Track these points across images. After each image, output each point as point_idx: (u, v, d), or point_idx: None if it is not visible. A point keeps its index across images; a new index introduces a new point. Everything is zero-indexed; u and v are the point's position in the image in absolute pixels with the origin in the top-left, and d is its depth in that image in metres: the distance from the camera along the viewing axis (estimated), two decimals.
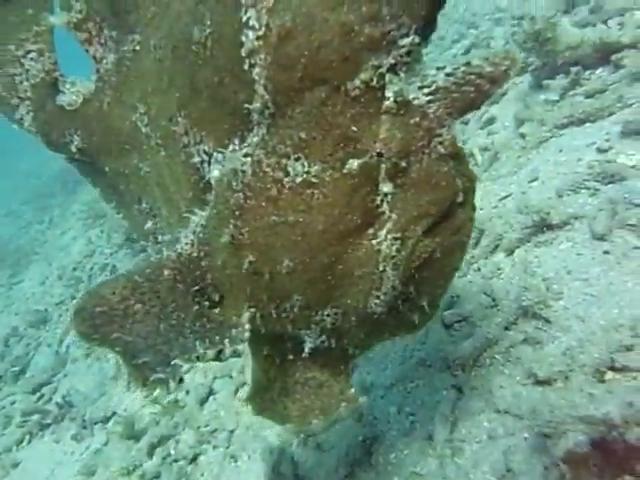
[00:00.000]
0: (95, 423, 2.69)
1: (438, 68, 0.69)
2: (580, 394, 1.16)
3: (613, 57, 2.22)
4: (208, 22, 0.72)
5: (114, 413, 2.71)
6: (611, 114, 2.02)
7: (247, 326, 0.81)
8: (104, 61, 0.98)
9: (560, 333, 1.45)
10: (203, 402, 2.45)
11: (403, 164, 0.69)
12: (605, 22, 2.53)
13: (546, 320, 1.51)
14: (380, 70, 0.65)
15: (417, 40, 0.64)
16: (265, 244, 0.73)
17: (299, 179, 0.70)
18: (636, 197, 1.56)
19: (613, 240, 1.56)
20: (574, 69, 2.31)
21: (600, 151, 1.84)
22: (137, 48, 0.90)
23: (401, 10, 0.62)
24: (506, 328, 1.59)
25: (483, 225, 1.91)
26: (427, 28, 0.65)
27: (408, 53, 0.65)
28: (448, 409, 1.47)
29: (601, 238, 1.58)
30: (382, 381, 1.79)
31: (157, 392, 0.87)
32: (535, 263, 1.69)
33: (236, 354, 0.94)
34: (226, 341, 0.81)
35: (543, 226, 1.75)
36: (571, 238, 1.66)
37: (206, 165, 0.79)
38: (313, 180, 0.70)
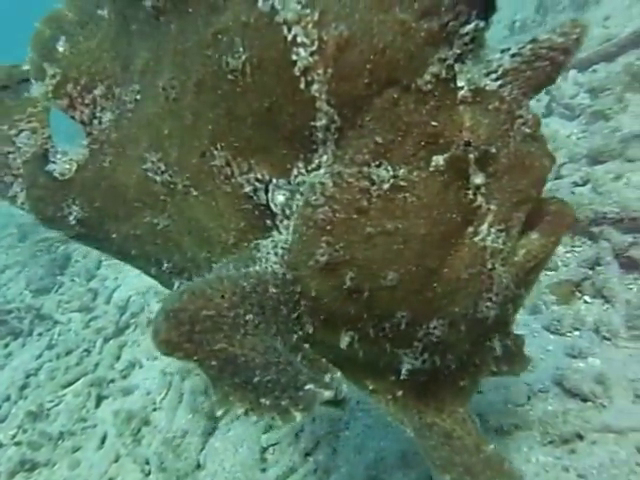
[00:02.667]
0: None
1: (502, 50, 0.67)
2: None
3: None
4: (241, 49, 0.70)
5: None
6: None
7: (338, 374, 0.73)
8: (96, 122, 0.96)
9: (342, 463, 1.67)
10: None
11: (493, 150, 0.66)
12: None
13: (334, 449, 1.73)
14: (447, 62, 0.64)
15: (481, 25, 0.63)
16: (364, 258, 0.69)
17: (386, 185, 0.67)
18: None
19: None
20: None
21: None
22: (138, 97, 0.88)
23: (457, 1, 0.61)
24: (307, 455, 1.79)
25: None
26: (488, 11, 0.63)
27: (472, 40, 0.64)
28: None
29: None
30: None
31: (274, 420, 0.63)
32: None
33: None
34: (315, 385, 0.66)
35: None
36: None
37: (262, 192, 0.77)
38: (402, 183, 0.67)
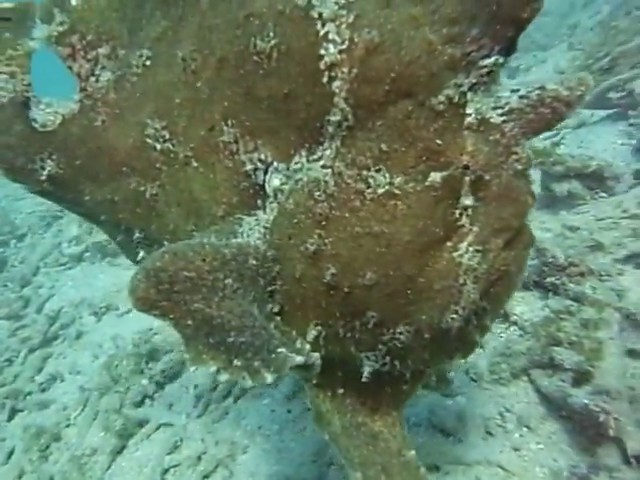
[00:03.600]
0: None
1: (512, 90, 0.72)
2: None
3: None
4: (271, 34, 0.72)
5: None
6: None
7: (308, 345, 0.76)
8: (93, 79, 0.94)
9: None
10: None
11: (486, 177, 0.70)
12: None
13: (231, 472, 1.84)
14: (462, 89, 0.68)
15: (500, 61, 0.67)
16: (348, 256, 0.72)
17: (381, 190, 0.70)
18: None
19: (295, 400, 2.00)
20: None
21: None
22: (147, 63, 0.89)
23: (482, 32, 0.65)
24: (205, 477, 1.88)
25: None
26: (509, 49, 0.68)
27: (488, 73, 0.68)
28: None
29: (289, 398, 2.01)
30: None
31: (244, 380, 0.68)
32: (242, 414, 2.05)
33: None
34: (288, 349, 0.71)
35: None
36: (271, 394, 2.08)
37: (260, 173, 0.80)
38: (396, 191, 0.70)
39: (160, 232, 0.96)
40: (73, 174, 1.01)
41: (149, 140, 0.88)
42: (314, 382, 0.87)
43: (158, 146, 0.88)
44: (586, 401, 1.36)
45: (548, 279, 1.78)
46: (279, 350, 0.68)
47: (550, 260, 1.79)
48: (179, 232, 0.92)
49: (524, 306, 1.86)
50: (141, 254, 1.03)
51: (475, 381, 1.74)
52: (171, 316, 0.68)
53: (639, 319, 1.58)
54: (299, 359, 0.68)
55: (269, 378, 0.67)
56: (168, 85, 0.85)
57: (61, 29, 0.96)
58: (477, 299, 0.75)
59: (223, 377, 0.67)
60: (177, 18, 0.83)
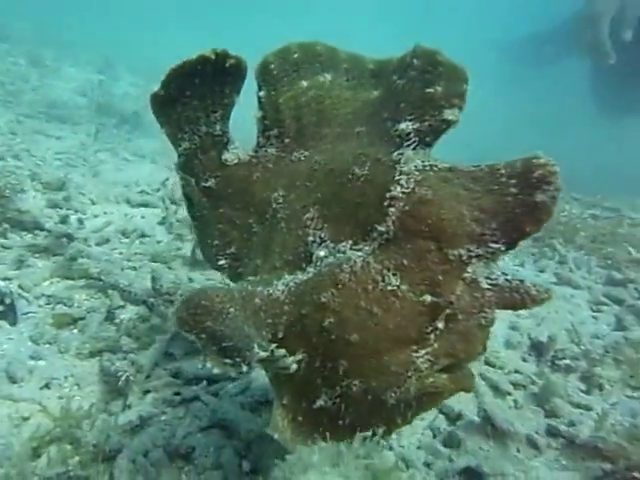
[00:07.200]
0: None
1: (503, 273, 0.99)
2: None
3: None
4: (366, 167, 1.05)
5: None
6: None
7: (296, 359, 0.99)
8: (264, 149, 1.30)
9: None
10: None
11: (460, 317, 0.97)
12: None
13: None
14: (470, 253, 0.96)
15: (502, 249, 0.96)
16: (346, 317, 0.99)
17: (389, 287, 0.97)
18: None
19: None
20: None
21: None
22: (302, 159, 1.25)
23: (498, 226, 0.95)
24: None
25: None
26: (509, 245, 0.97)
27: (492, 253, 0.96)
28: None
29: None
30: None
31: (229, 370, 0.93)
32: None
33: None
34: (258, 347, 0.95)
35: None
36: None
37: (315, 245, 1.10)
38: (399, 293, 0.97)
39: (246, 256, 1.32)
40: (222, 195, 1.40)
41: (272, 200, 1.27)
42: (283, 402, 1.07)
43: (274, 205, 1.25)
44: None
45: None
46: (252, 347, 0.92)
47: None
48: (252, 261, 1.28)
49: None
50: (222, 262, 1.42)
51: None
52: (194, 332, 0.94)
53: None
54: (262, 354, 0.91)
55: (245, 368, 0.90)
56: (299, 172, 1.24)
57: (259, 115, 1.35)
58: (412, 392, 0.99)
59: (215, 370, 0.98)
60: (335, 144, 1.21)
